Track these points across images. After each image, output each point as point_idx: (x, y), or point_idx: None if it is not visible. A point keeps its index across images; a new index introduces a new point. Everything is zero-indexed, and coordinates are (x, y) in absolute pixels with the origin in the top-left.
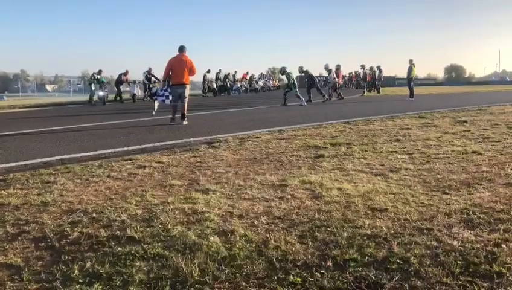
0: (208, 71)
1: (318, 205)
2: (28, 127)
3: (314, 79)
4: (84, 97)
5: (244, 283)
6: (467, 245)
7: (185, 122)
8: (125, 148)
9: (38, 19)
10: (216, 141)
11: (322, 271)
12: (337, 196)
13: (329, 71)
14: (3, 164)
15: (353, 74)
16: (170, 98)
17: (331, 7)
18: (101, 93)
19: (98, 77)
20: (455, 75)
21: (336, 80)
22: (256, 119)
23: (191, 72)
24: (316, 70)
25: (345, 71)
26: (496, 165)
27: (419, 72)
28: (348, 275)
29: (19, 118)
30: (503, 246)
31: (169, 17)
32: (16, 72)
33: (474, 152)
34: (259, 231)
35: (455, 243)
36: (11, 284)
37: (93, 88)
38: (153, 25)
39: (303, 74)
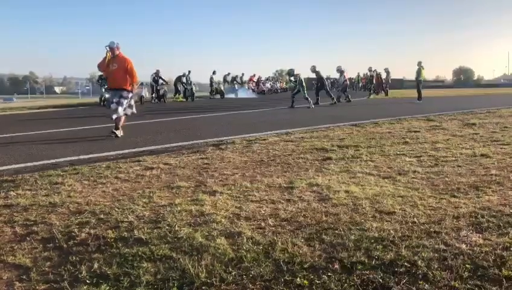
0: (214, 72)
1: (325, 207)
2: (37, 129)
3: (324, 81)
4: (93, 99)
5: (250, 285)
6: (475, 249)
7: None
8: (133, 150)
9: (48, 21)
10: (223, 143)
11: (329, 274)
12: (345, 198)
13: (341, 73)
14: (13, 165)
15: (361, 75)
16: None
17: (339, 9)
18: (107, 95)
19: (100, 74)
20: (464, 78)
21: (347, 82)
22: (263, 122)
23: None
24: (323, 72)
25: (354, 73)
26: (505, 168)
27: (428, 75)
28: (355, 278)
29: (28, 119)
30: None
31: (176, 18)
32: (25, 74)
33: (483, 155)
34: (266, 233)
35: (463, 246)
36: (20, 285)
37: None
38: (160, 27)
39: (314, 73)
